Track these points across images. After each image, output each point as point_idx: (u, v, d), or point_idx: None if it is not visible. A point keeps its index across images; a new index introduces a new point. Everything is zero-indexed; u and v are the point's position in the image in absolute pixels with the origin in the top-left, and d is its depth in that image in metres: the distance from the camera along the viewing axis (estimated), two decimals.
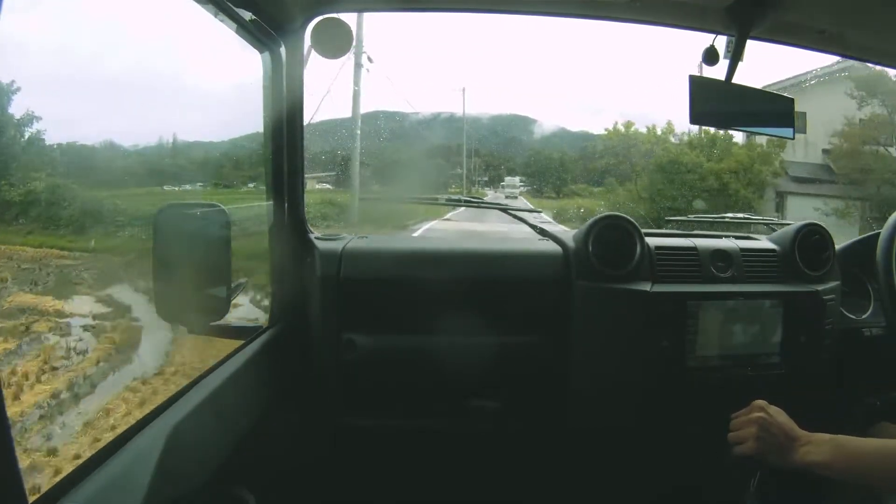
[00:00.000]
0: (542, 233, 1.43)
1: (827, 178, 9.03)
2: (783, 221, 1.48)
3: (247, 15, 0.99)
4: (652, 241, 1.25)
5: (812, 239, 1.29)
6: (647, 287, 1.19)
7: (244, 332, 1.10)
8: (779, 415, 0.92)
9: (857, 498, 0.96)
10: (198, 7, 0.91)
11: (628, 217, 1.25)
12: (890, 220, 1.18)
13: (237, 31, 1.04)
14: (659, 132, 10.19)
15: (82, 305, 3.29)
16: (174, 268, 0.91)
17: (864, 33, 1.17)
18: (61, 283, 3.38)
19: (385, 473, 1.29)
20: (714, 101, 1.17)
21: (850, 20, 1.11)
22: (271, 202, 1.21)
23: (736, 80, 1.14)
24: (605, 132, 10.76)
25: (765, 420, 0.91)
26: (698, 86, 1.14)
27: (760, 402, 0.95)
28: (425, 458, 1.31)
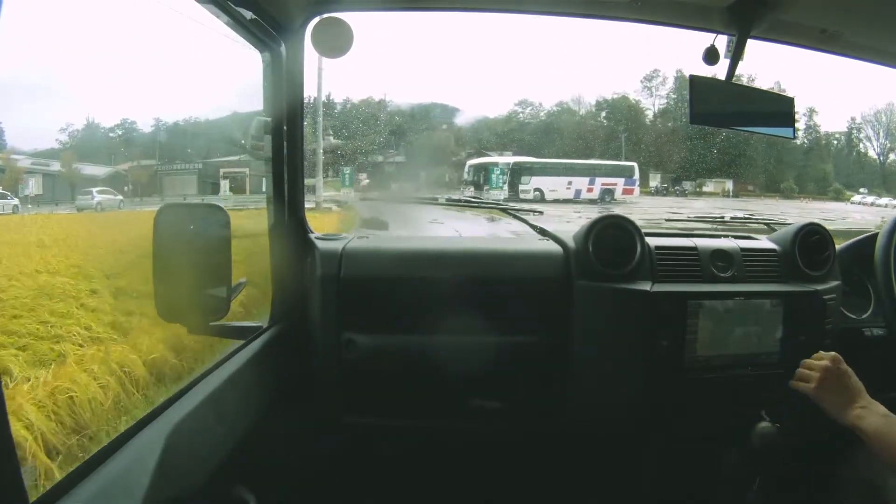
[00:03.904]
0: (543, 232, 1.42)
1: None
2: (783, 221, 1.47)
3: (247, 14, 0.99)
4: (652, 241, 1.25)
5: (812, 239, 1.29)
6: (647, 287, 1.19)
7: (244, 332, 1.10)
8: (850, 372, 0.92)
9: (859, 502, 0.95)
10: (198, 7, 0.91)
11: (628, 217, 1.26)
12: (889, 219, 1.18)
13: (238, 31, 1.04)
14: None
15: None
16: (174, 268, 0.91)
17: (864, 33, 1.17)
18: None
19: (385, 473, 1.29)
20: (714, 101, 1.17)
21: (850, 20, 1.11)
22: (271, 202, 1.21)
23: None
24: None
25: (837, 369, 0.90)
26: (699, 85, 1.15)
27: (836, 354, 0.94)
28: (425, 457, 1.30)
